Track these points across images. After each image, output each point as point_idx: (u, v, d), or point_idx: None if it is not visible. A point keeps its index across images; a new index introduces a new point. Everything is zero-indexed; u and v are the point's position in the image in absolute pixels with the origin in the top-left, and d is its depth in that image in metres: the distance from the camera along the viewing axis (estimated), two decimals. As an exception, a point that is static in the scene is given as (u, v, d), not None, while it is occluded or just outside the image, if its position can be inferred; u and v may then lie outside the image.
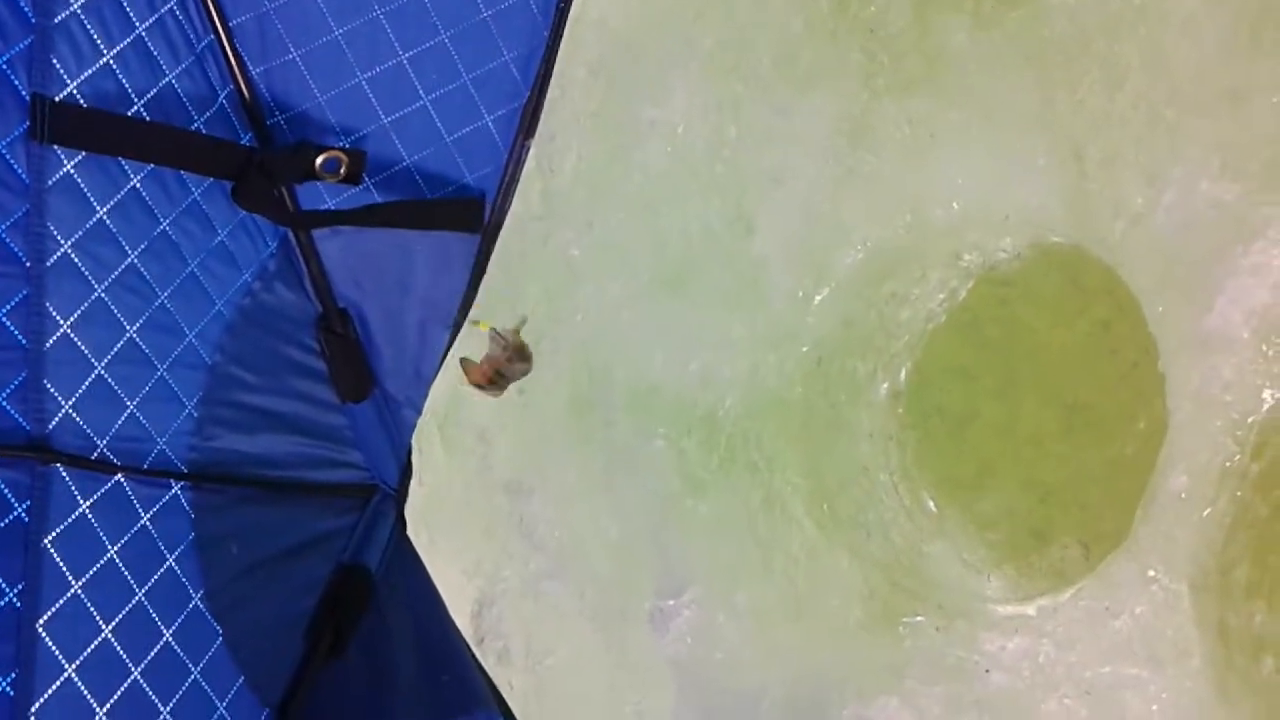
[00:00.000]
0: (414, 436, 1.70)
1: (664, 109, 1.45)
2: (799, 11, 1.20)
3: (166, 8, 1.37)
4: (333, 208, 1.57)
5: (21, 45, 1.22)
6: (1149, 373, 1.13)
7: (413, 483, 1.73)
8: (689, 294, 1.48)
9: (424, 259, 1.63)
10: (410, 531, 1.70)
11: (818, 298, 1.32)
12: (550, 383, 1.64)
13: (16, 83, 1.22)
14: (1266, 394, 1.06)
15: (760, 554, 1.41)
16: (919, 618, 1.26)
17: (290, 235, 1.56)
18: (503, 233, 1.62)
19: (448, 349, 1.74)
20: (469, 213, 1.63)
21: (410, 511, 1.71)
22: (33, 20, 1.23)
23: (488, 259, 1.66)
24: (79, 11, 1.28)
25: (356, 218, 1.52)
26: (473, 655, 1.63)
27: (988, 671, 1.19)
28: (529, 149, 1.63)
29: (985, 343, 1.29)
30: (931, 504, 1.33)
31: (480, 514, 1.73)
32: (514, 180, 1.64)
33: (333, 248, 1.59)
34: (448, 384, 1.69)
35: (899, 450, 1.35)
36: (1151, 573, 1.11)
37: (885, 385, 1.33)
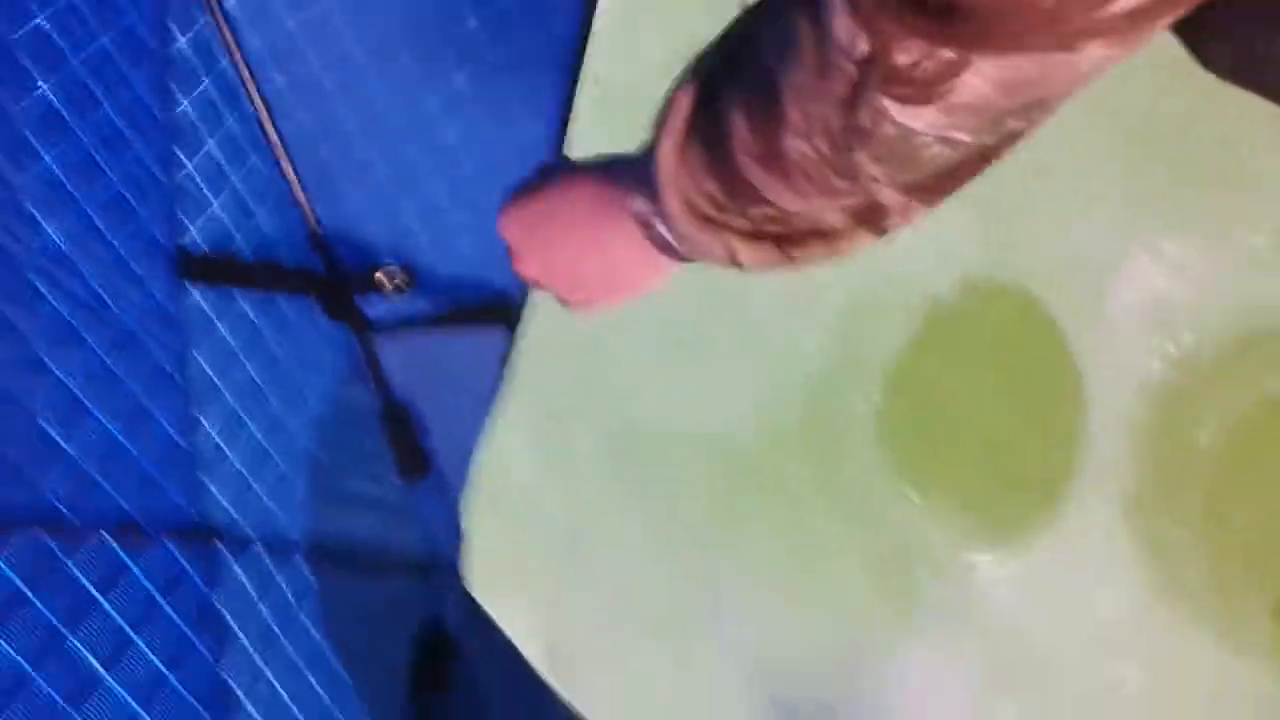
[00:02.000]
0: (467, 505, 1.95)
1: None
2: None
3: (251, 162, 1.67)
4: (387, 316, 1.85)
5: (157, 203, 1.51)
6: (1062, 355, 1.50)
7: (470, 546, 1.97)
8: (699, 351, 1.81)
9: (466, 352, 1.92)
10: (476, 593, 1.94)
11: (809, 339, 1.66)
12: (589, 441, 1.94)
13: (157, 235, 1.50)
14: (1155, 366, 1.44)
15: (792, 557, 1.72)
16: (921, 575, 1.59)
17: (357, 341, 1.83)
18: (530, 324, 1.92)
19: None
20: (501, 310, 1.92)
21: (472, 574, 1.95)
22: (161, 180, 1.52)
23: (517, 347, 1.95)
24: (190, 169, 1.56)
25: (412, 322, 1.82)
26: (555, 695, 1.86)
27: (987, 599, 1.51)
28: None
29: (945, 358, 1.64)
30: (915, 496, 1.66)
31: (537, 568, 1.99)
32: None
33: (391, 350, 1.87)
34: (491, 455, 1.97)
35: (891, 453, 1.68)
36: (1093, 500, 1.46)
37: (872, 402, 1.67)
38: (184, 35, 1.55)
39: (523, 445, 1.91)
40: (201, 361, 1.51)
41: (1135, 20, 0.46)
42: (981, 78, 0.50)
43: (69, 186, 1.37)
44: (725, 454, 1.75)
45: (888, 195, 0.62)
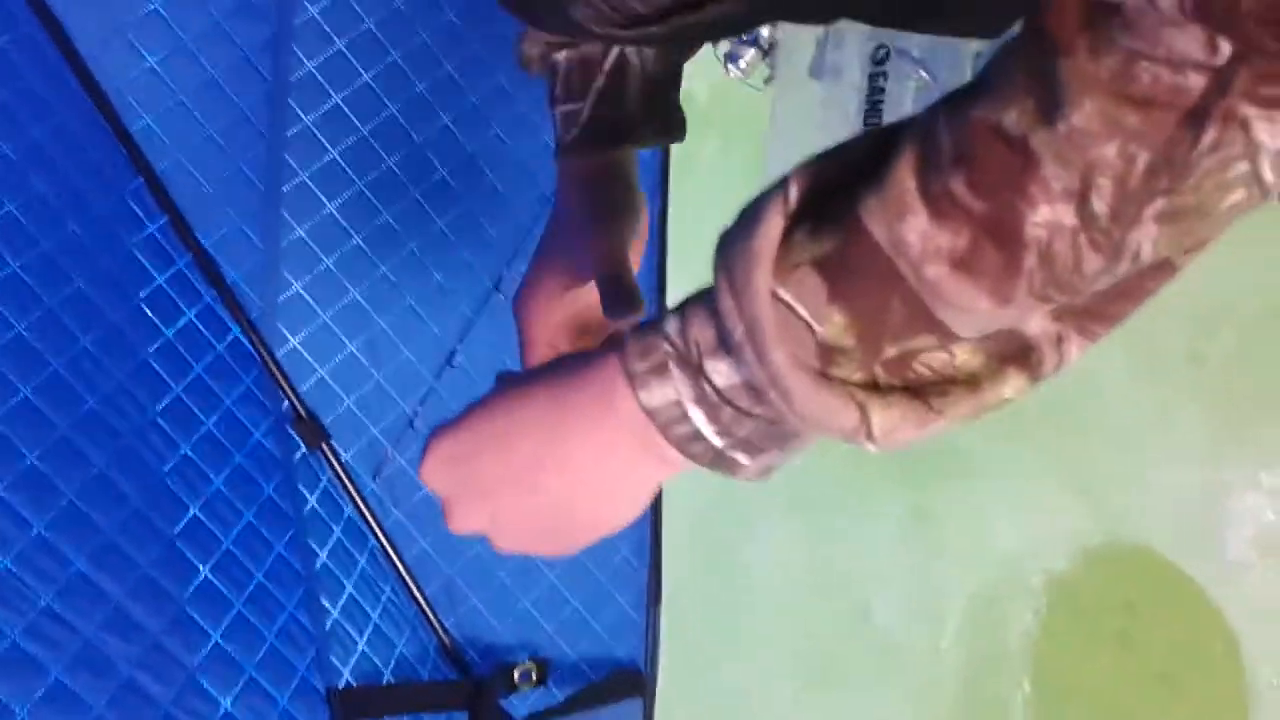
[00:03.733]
0: None
1: (760, 546, 1.88)
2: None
3: (385, 595, 1.77)
4: (525, 715, 1.88)
5: (310, 653, 1.60)
6: (1205, 608, 1.50)
7: None
8: (837, 675, 1.82)
9: (606, 731, 1.93)
10: None
11: (943, 644, 1.67)
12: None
13: (314, 683, 1.58)
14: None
15: None
16: None
17: (502, 745, 1.85)
18: (661, 686, 1.95)
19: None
20: (631, 682, 1.95)
21: None
22: (311, 631, 1.62)
23: (656, 712, 1.96)
24: (336, 615, 1.67)
25: (557, 711, 1.84)
26: None
27: None
28: (659, 615, 2.00)
29: (1083, 630, 1.64)
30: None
31: None
32: (656, 643, 1.99)
33: (535, 744, 1.88)
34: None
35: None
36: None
37: (1019, 695, 1.65)
38: (312, 494, 1.71)
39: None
40: (372, 799, 1.53)
41: None
42: None
43: (236, 658, 1.47)
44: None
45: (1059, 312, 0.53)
